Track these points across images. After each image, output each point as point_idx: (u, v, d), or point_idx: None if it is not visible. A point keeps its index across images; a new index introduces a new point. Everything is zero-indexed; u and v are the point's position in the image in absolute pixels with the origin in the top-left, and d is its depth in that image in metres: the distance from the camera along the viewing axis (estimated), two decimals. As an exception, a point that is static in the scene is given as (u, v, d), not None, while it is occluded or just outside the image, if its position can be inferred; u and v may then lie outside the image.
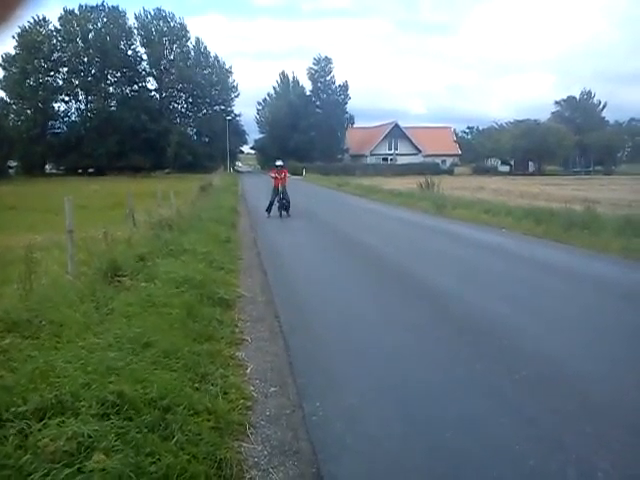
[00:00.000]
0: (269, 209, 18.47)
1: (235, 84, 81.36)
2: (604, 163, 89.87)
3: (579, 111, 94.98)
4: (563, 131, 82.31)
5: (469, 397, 4.34)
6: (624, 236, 11.54)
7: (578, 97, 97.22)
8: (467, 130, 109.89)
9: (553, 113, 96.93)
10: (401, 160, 72.77)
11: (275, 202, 18.46)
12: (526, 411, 4.07)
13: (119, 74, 73.41)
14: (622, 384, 4.54)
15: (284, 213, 18.39)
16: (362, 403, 4.24)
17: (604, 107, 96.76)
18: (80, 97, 73.20)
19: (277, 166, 19.21)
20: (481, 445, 3.59)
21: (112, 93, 74.10)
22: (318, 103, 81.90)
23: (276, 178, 18.53)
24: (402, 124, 79.18)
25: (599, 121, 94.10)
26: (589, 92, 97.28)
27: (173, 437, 3.23)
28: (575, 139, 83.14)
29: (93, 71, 71.98)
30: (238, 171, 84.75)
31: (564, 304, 7.19)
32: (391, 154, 77.04)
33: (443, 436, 3.69)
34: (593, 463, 3.33)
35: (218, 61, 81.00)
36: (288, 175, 19.25)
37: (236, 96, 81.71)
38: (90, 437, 2.95)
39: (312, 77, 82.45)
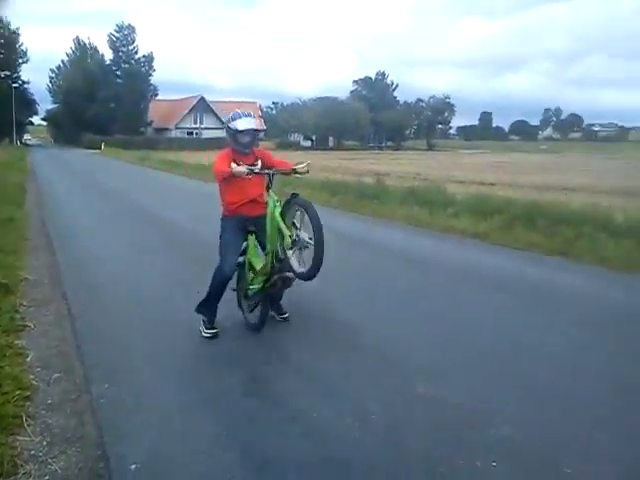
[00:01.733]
0: (207, 303, 4.98)
1: (23, 48, 72.89)
2: (395, 139, 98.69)
3: (374, 91, 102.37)
4: (360, 109, 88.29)
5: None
6: (407, 205, 12.78)
7: (374, 77, 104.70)
8: (272, 105, 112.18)
9: (352, 92, 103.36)
10: (207, 134, 71.99)
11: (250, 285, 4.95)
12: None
13: None
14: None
15: (273, 316, 5.18)
16: (153, 378, 4.19)
17: (396, 88, 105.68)
18: None
19: (240, 134, 4.74)
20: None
21: None
22: (119, 73, 77.28)
23: (246, 178, 4.62)
24: (208, 98, 78.38)
25: (391, 100, 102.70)
26: (383, 73, 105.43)
27: None
28: (370, 116, 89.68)
29: None
30: (27, 144, 76.85)
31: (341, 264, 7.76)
32: (197, 128, 75.83)
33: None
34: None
35: (1, 21, 71.76)
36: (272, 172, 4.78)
37: (24, 62, 73.17)
38: None
39: (113, 45, 77.35)
